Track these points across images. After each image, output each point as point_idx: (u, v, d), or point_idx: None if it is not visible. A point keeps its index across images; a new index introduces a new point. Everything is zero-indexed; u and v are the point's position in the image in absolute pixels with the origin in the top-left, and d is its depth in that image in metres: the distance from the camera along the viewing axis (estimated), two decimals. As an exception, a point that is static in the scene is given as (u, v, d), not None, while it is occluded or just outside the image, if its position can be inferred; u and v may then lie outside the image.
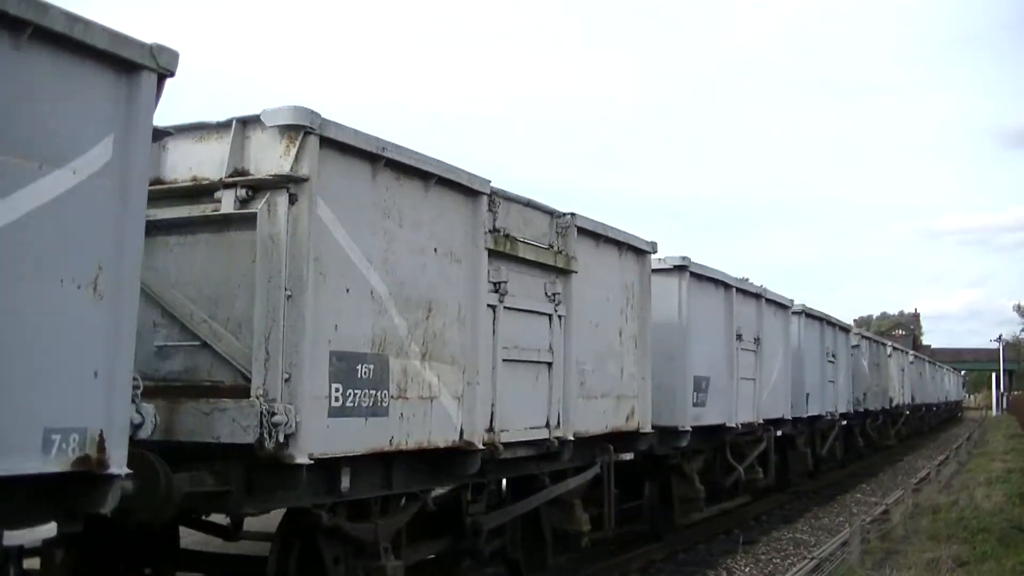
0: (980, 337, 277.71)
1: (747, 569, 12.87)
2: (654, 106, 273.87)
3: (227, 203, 6.39)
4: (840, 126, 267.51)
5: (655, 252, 11.72)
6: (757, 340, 15.93)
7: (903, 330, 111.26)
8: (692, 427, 12.86)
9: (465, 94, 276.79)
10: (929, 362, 48.14)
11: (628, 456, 11.48)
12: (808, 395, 19.78)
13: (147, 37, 4.84)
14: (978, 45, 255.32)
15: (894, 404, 32.01)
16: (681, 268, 12.95)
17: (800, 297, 21.21)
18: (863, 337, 28.77)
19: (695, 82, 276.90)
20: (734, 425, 14.72)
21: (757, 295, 16.29)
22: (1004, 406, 78.44)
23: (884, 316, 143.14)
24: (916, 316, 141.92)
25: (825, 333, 21.97)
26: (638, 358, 11.18)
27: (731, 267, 15.43)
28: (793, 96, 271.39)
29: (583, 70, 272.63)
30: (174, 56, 5.10)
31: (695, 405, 13.17)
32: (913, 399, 36.68)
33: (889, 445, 32.44)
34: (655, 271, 11.96)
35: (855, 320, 69.72)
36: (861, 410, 26.62)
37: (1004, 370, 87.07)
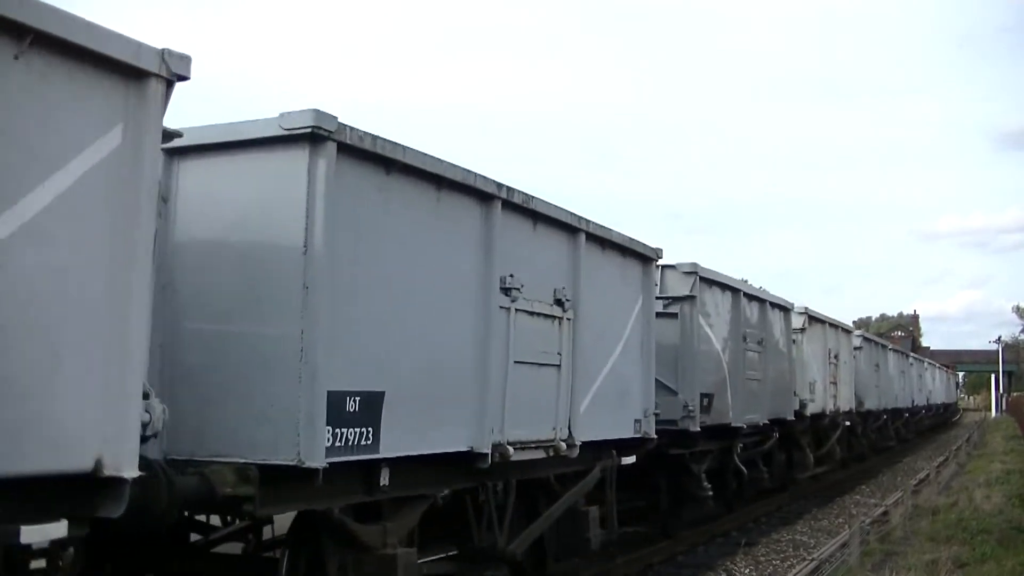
0: (979, 339, 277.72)
1: (746, 571, 12.86)
2: (652, 107, 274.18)
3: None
4: (839, 127, 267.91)
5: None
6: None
7: (902, 332, 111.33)
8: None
9: (463, 92, 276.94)
10: (905, 355, 39.75)
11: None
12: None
13: (151, 36, 4.83)
14: (977, 47, 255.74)
15: (831, 409, 21.90)
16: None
17: (800, 299, 21.33)
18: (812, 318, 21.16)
19: (693, 83, 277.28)
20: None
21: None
22: (1003, 407, 78.42)
23: (883, 318, 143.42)
24: (915, 318, 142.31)
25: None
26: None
27: (730, 269, 15.54)
28: (792, 97, 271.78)
29: (581, 69, 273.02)
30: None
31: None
32: (859, 403, 25.57)
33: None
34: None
35: (854, 322, 69.62)
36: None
37: (1003, 371, 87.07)
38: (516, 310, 8.19)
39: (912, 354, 44.18)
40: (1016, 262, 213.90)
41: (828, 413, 21.65)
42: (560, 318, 8.98)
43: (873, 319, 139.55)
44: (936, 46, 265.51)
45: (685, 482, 14.11)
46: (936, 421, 54.39)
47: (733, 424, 14.60)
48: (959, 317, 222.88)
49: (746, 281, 19.50)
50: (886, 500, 18.66)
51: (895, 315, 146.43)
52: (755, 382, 15.76)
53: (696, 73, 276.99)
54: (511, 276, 8.08)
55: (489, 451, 7.74)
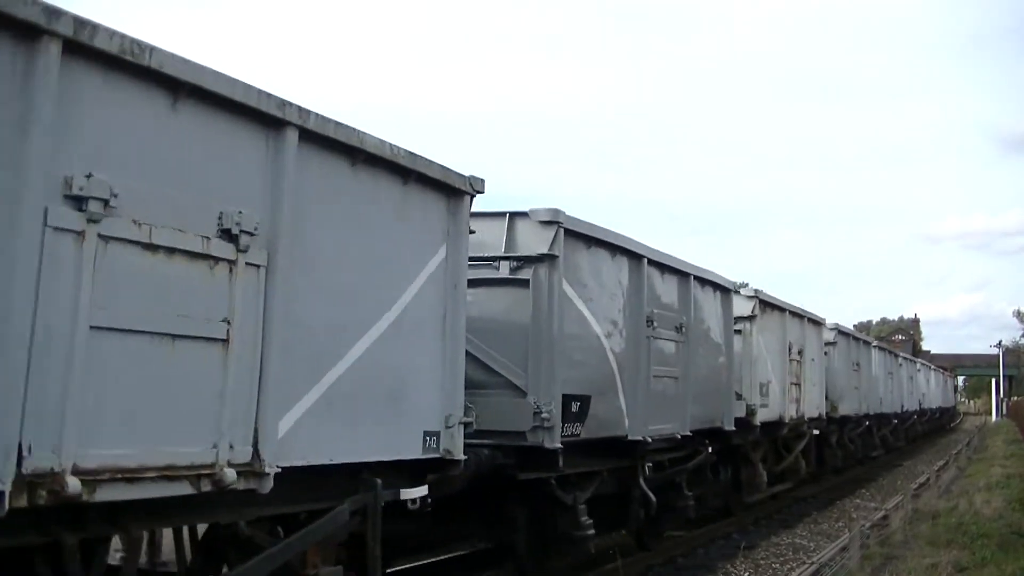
0: (980, 342, 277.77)
1: (746, 574, 12.87)
2: (652, 108, 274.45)
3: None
4: (840, 129, 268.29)
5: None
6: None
7: (903, 335, 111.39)
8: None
9: (460, 95, 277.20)
10: (893, 355, 35.39)
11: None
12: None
13: (148, 37, 4.69)
14: (979, 49, 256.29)
15: (793, 416, 18.48)
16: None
17: (800, 302, 20.94)
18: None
19: (693, 84, 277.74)
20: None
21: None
22: (1004, 411, 78.44)
23: (884, 321, 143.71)
24: (916, 321, 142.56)
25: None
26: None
27: (730, 271, 15.37)
28: (793, 98, 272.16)
29: (579, 71, 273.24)
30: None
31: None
32: (832, 408, 22.63)
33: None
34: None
35: (855, 325, 69.52)
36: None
37: (1004, 375, 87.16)
38: (101, 237, 4.60)
39: (902, 354, 39.61)
40: (1018, 265, 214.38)
41: (788, 420, 17.93)
42: (229, 262, 5.32)
43: (874, 322, 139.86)
44: (939, 48, 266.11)
45: (555, 517, 10.11)
46: (931, 427, 50.04)
47: (630, 437, 10.78)
48: (960, 321, 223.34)
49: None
50: (886, 504, 18.64)
51: (896, 318, 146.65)
52: (669, 381, 11.95)
53: (696, 74, 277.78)
54: (89, 177, 4.55)
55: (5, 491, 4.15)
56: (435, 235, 7.30)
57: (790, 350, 18.31)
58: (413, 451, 7.07)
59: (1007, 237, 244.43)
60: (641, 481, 11.73)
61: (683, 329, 12.40)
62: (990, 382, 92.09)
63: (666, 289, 12.18)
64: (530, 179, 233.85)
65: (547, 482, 9.57)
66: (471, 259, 7.92)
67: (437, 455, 7.28)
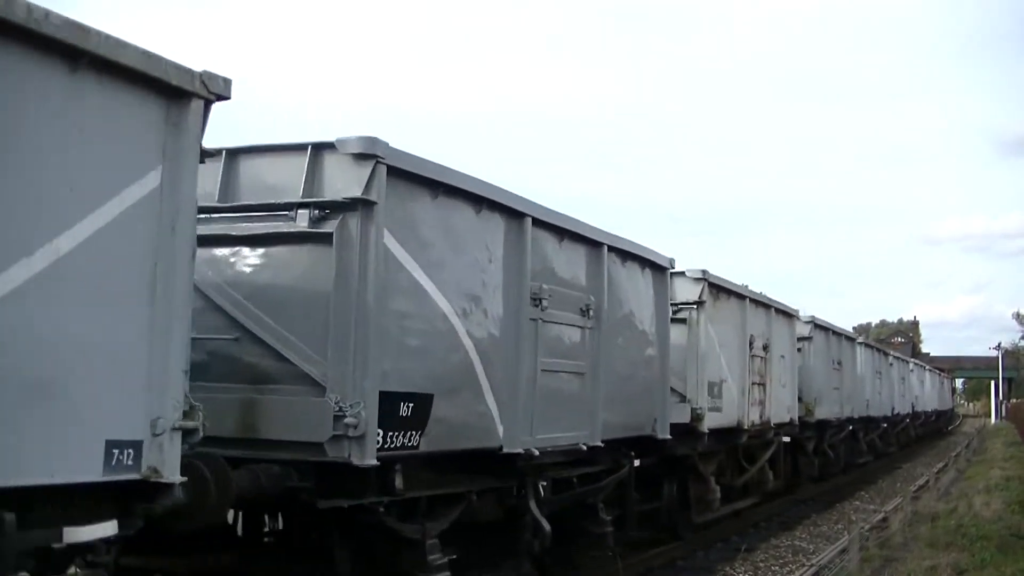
0: (980, 344, 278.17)
1: (745, 577, 12.88)
2: (651, 108, 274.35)
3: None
4: (841, 131, 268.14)
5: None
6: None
7: (902, 337, 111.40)
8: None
9: (460, 96, 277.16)
10: (883, 353, 32.73)
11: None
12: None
13: (145, 38, 4.51)
14: (979, 52, 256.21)
15: (756, 421, 15.85)
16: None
17: (801, 303, 20.82)
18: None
19: (693, 84, 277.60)
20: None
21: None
22: (1003, 414, 78.42)
23: (883, 324, 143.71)
24: (915, 323, 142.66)
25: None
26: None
27: (730, 272, 15.01)
28: (793, 100, 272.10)
29: (579, 71, 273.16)
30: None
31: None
32: (806, 412, 19.91)
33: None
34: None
35: (855, 327, 69.50)
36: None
37: (1003, 378, 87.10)
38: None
39: (893, 352, 36.66)
40: (1017, 267, 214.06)
41: (749, 427, 15.13)
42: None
43: (873, 324, 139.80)
44: (940, 50, 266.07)
45: (393, 555, 7.70)
46: (927, 431, 47.29)
47: (506, 450, 8.31)
48: (960, 323, 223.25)
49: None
50: (885, 506, 18.68)
51: (895, 320, 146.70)
52: (570, 377, 9.54)
53: (697, 74, 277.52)
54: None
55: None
56: (138, 152, 5.04)
57: (751, 344, 15.42)
58: (85, 471, 4.75)
59: (1007, 239, 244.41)
60: (532, 504, 9.16)
61: (592, 312, 9.85)
62: (989, 384, 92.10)
63: (566, 261, 9.56)
64: (531, 180, 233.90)
65: (371, 510, 7.09)
66: (256, 207, 6.96)
67: (135, 476, 4.95)
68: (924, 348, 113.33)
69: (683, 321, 13.21)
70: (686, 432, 12.77)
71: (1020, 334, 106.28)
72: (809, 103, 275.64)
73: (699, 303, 13.42)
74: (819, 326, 22.05)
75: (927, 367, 50.90)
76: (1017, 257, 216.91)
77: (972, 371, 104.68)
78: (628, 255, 10.93)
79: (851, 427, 25.00)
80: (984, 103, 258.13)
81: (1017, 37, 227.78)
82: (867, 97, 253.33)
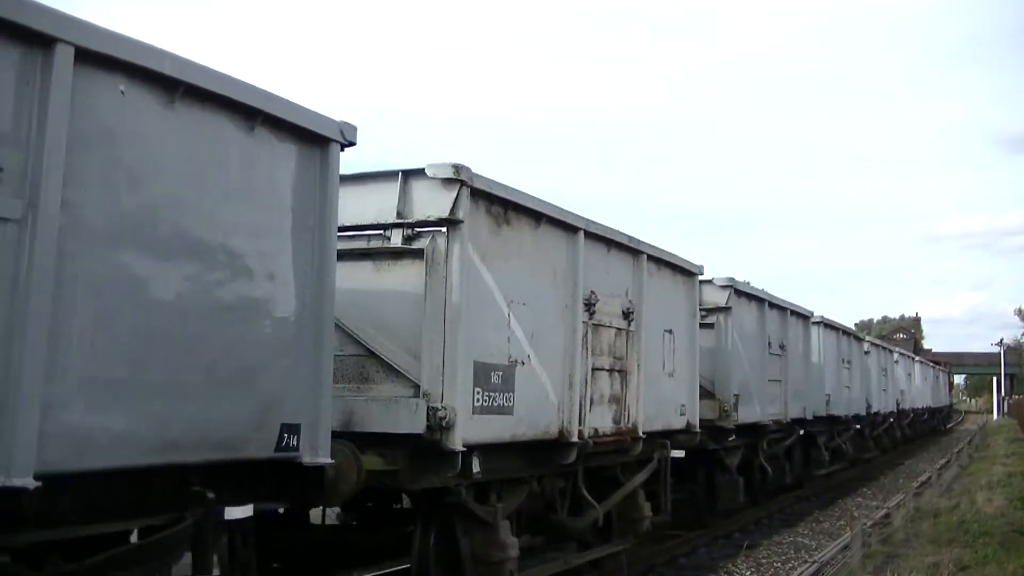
0: (982, 341, 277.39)
1: (748, 573, 12.86)
2: (652, 110, 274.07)
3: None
4: (843, 129, 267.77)
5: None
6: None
7: (904, 334, 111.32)
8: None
9: (460, 96, 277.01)
10: (857, 339, 26.48)
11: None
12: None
13: (150, 37, 4.66)
14: (981, 50, 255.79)
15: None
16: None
17: (801, 301, 20.51)
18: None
19: (694, 86, 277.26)
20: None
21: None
22: (1005, 410, 78.40)
23: (885, 320, 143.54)
24: (917, 320, 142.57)
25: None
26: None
27: (732, 272, 14.94)
28: (795, 99, 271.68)
29: (582, 72, 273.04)
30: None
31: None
32: (722, 414, 14.50)
33: None
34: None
35: (856, 324, 69.39)
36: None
37: (1005, 374, 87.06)
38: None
39: (870, 339, 30.16)
40: (1019, 264, 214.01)
41: (586, 440, 9.31)
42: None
43: (875, 321, 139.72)
44: (941, 49, 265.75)
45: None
46: (918, 431, 41.43)
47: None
48: (962, 319, 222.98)
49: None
50: (888, 502, 18.67)
51: (897, 317, 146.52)
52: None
53: (697, 76, 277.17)
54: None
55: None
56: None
57: (591, 306, 9.60)
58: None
59: (1009, 236, 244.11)
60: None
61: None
62: (991, 381, 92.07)
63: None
64: (531, 180, 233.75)
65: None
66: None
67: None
68: (926, 344, 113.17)
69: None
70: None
71: (1022, 330, 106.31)
72: (810, 103, 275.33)
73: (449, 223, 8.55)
74: (743, 294, 15.70)
75: (916, 357, 43.47)
76: (1019, 254, 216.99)
77: (974, 367, 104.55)
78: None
79: (802, 431, 19.61)
80: (985, 101, 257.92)
81: (1017, 35, 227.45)
82: (869, 96, 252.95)
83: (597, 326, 9.89)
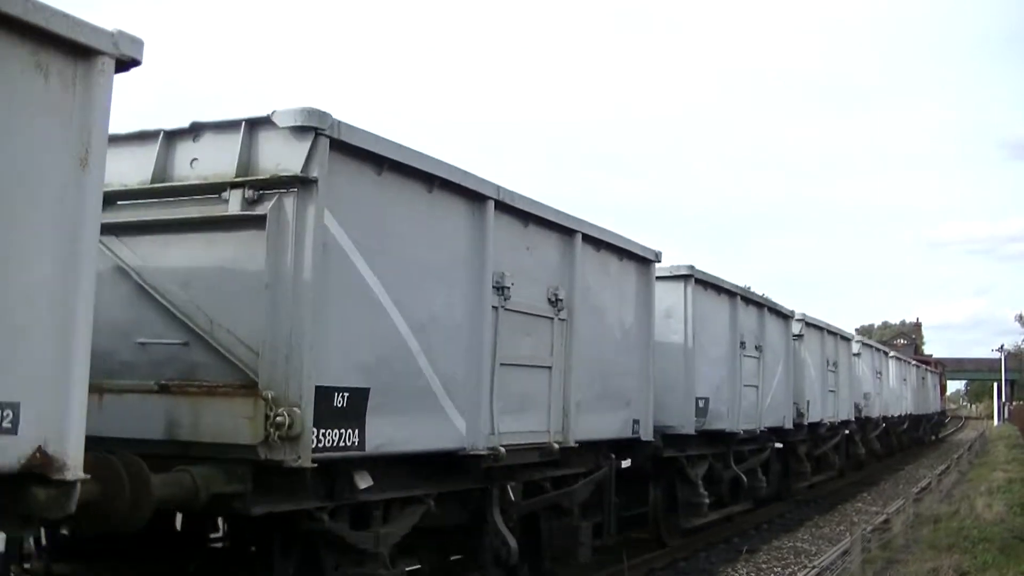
0: (983, 347, 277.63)
1: (748, 578, 12.88)
2: (657, 112, 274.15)
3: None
4: (845, 133, 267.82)
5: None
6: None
7: (904, 339, 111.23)
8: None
9: (470, 100, 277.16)
10: (829, 332, 21.93)
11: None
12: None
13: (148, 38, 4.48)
14: (986, 54, 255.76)
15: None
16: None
17: (802, 305, 20.37)
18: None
19: (699, 88, 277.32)
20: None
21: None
22: (1005, 416, 78.34)
23: (886, 325, 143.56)
24: (917, 325, 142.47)
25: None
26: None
27: (731, 273, 14.52)
28: (798, 102, 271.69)
29: (583, 73, 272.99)
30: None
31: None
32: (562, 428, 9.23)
33: None
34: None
35: (856, 329, 69.25)
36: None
37: (1006, 380, 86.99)
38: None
39: (831, 327, 22.29)
40: (1021, 271, 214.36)
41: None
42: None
43: (876, 326, 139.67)
44: (944, 53, 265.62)
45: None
46: (897, 443, 34.76)
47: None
48: (963, 325, 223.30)
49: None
50: (887, 508, 18.67)
51: (898, 323, 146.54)
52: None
53: (702, 79, 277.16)
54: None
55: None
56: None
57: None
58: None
59: (1011, 242, 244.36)
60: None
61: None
62: (992, 386, 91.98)
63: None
64: (531, 180, 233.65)
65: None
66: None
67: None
68: (927, 350, 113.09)
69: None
70: None
71: (1023, 336, 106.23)
72: (813, 105, 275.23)
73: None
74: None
75: (891, 353, 33.63)
76: (1020, 260, 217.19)
77: (975, 373, 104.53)
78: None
79: (780, 442, 17.52)
80: (989, 106, 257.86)
81: (1022, 39, 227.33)
82: (871, 100, 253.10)
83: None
